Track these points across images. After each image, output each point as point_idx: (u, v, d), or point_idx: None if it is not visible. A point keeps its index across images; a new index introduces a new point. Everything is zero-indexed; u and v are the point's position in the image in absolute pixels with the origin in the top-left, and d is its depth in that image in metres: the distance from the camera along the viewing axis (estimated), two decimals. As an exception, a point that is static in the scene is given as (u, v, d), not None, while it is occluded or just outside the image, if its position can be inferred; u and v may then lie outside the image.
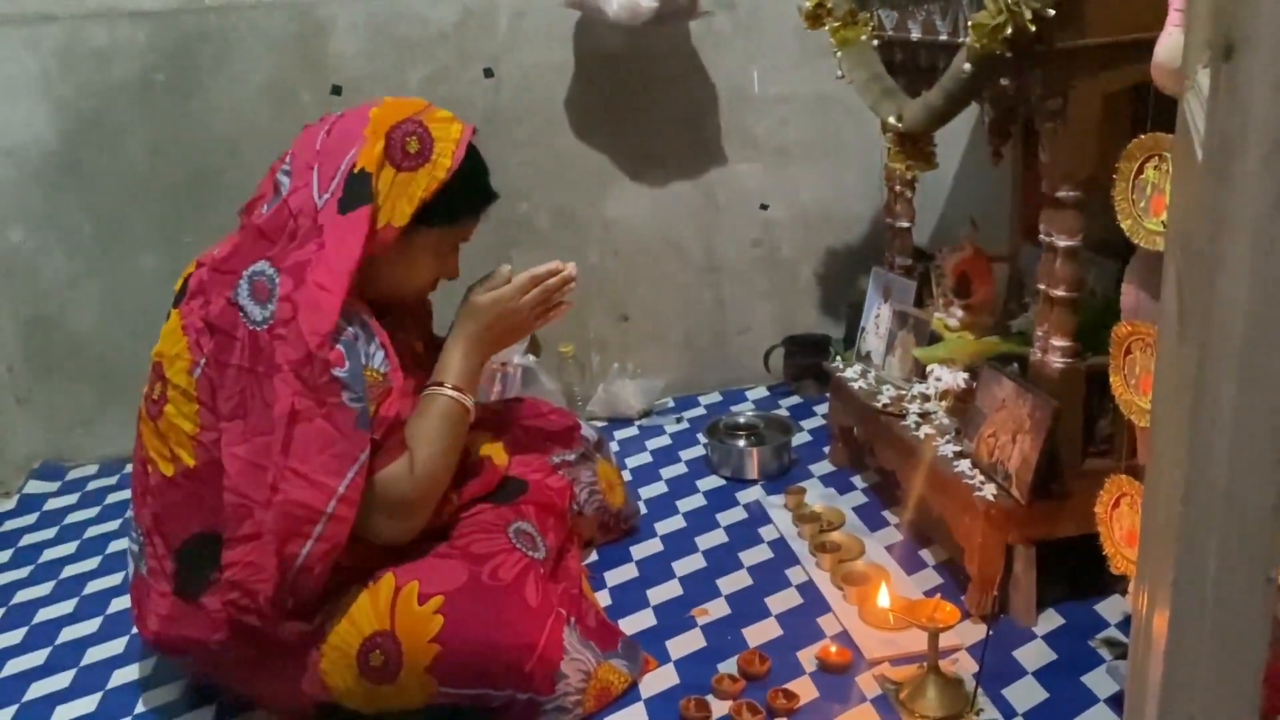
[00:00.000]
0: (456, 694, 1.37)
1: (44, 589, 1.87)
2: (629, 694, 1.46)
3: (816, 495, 1.97)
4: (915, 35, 1.66)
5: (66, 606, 1.81)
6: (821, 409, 2.31)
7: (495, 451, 1.69)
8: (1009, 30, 1.31)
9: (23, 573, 1.93)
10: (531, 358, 2.30)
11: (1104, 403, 1.46)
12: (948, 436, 1.69)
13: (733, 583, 1.73)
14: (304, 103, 2.20)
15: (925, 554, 1.77)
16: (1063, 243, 1.45)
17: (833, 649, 1.51)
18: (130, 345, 2.23)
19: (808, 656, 1.52)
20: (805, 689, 1.45)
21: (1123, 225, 1.20)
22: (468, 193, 1.46)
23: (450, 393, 1.44)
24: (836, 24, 1.77)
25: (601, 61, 2.31)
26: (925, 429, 1.73)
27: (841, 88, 1.82)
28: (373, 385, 1.34)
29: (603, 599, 1.70)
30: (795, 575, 1.73)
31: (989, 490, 1.53)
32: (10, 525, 2.12)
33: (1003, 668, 1.46)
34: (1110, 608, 1.57)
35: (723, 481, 2.09)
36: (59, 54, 2.14)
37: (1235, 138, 0.58)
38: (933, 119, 1.54)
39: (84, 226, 2.23)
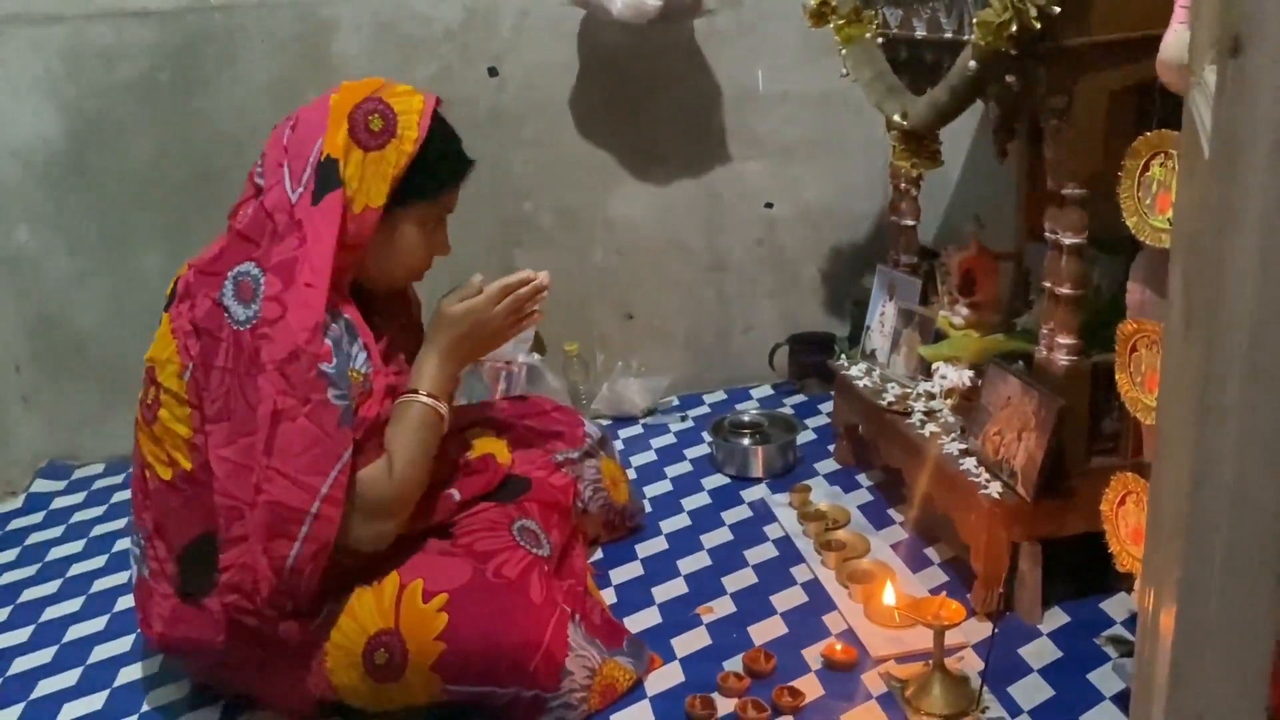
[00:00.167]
0: (461, 691, 1.37)
1: (51, 587, 1.88)
2: (634, 692, 1.47)
3: (821, 493, 1.97)
4: (920, 33, 1.66)
5: (73, 605, 1.82)
6: (826, 407, 2.31)
7: (498, 449, 1.69)
8: (1014, 27, 1.31)
9: (30, 571, 1.94)
10: (536, 356, 2.30)
11: (1109, 400, 1.46)
12: (953, 434, 1.69)
13: (738, 581, 1.73)
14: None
15: (930, 552, 1.77)
16: (1068, 240, 1.44)
17: (838, 647, 1.51)
18: (136, 345, 2.20)
19: (813, 654, 1.52)
20: (810, 687, 1.45)
21: (1128, 223, 1.20)
22: (441, 163, 1.45)
23: (426, 400, 1.43)
24: (841, 21, 1.77)
25: (605, 60, 2.31)
26: (930, 427, 1.73)
27: (846, 86, 1.82)
28: (354, 385, 1.34)
29: (608, 597, 1.70)
30: (800, 573, 1.73)
31: (994, 488, 1.53)
32: (17, 524, 2.13)
33: (1008, 665, 1.46)
34: (1116, 605, 1.57)
35: (727, 480, 2.09)
36: (65, 54, 2.14)
37: (1242, 134, 0.58)
38: (938, 117, 1.54)
39: (89, 226, 2.23)
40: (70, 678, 1.61)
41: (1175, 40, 1.08)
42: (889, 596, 1.54)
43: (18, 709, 1.55)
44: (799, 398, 2.45)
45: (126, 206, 2.23)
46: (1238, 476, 0.64)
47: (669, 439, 2.30)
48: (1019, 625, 1.54)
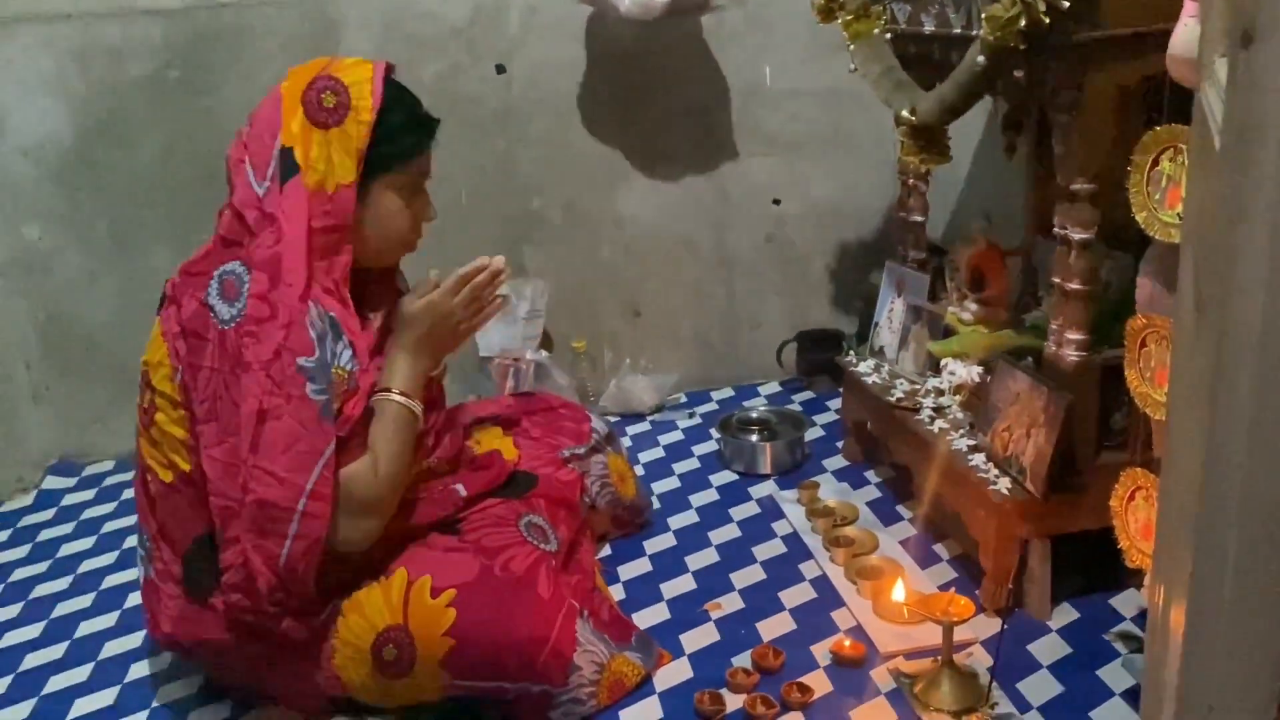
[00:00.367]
0: (470, 687, 1.37)
1: (62, 583, 1.89)
2: (643, 687, 1.47)
3: (830, 490, 1.97)
4: (928, 28, 1.65)
5: (84, 601, 1.82)
6: (834, 404, 2.31)
7: (505, 446, 1.69)
8: (1023, 23, 1.31)
9: (41, 567, 1.95)
10: (544, 353, 2.31)
11: (1119, 396, 1.45)
12: (962, 431, 1.69)
13: (746, 577, 1.73)
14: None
15: (939, 548, 1.76)
16: (1077, 236, 1.44)
17: (847, 643, 1.51)
18: (146, 342, 2.23)
19: (822, 650, 1.52)
20: (819, 683, 1.45)
21: (1138, 218, 1.20)
22: (404, 127, 1.43)
23: (398, 398, 1.42)
24: (849, 17, 1.77)
25: (613, 57, 2.30)
26: (939, 423, 1.73)
27: (854, 81, 1.82)
28: (338, 383, 1.34)
29: (616, 593, 1.70)
30: (809, 570, 1.73)
31: (1003, 484, 1.53)
32: (28, 520, 2.13)
33: (1017, 661, 1.45)
34: (1125, 602, 1.57)
35: (735, 476, 2.09)
36: (74, 52, 2.15)
37: (1254, 125, 0.57)
38: (946, 112, 1.54)
39: (99, 224, 2.24)
40: (81, 673, 1.62)
41: (1186, 34, 1.08)
42: (898, 593, 1.54)
43: (30, 704, 1.56)
44: (807, 394, 2.45)
45: (136, 204, 2.23)
46: (1248, 471, 0.64)
47: (677, 436, 2.30)
48: (1028, 621, 1.54)
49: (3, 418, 2.23)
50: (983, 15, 1.36)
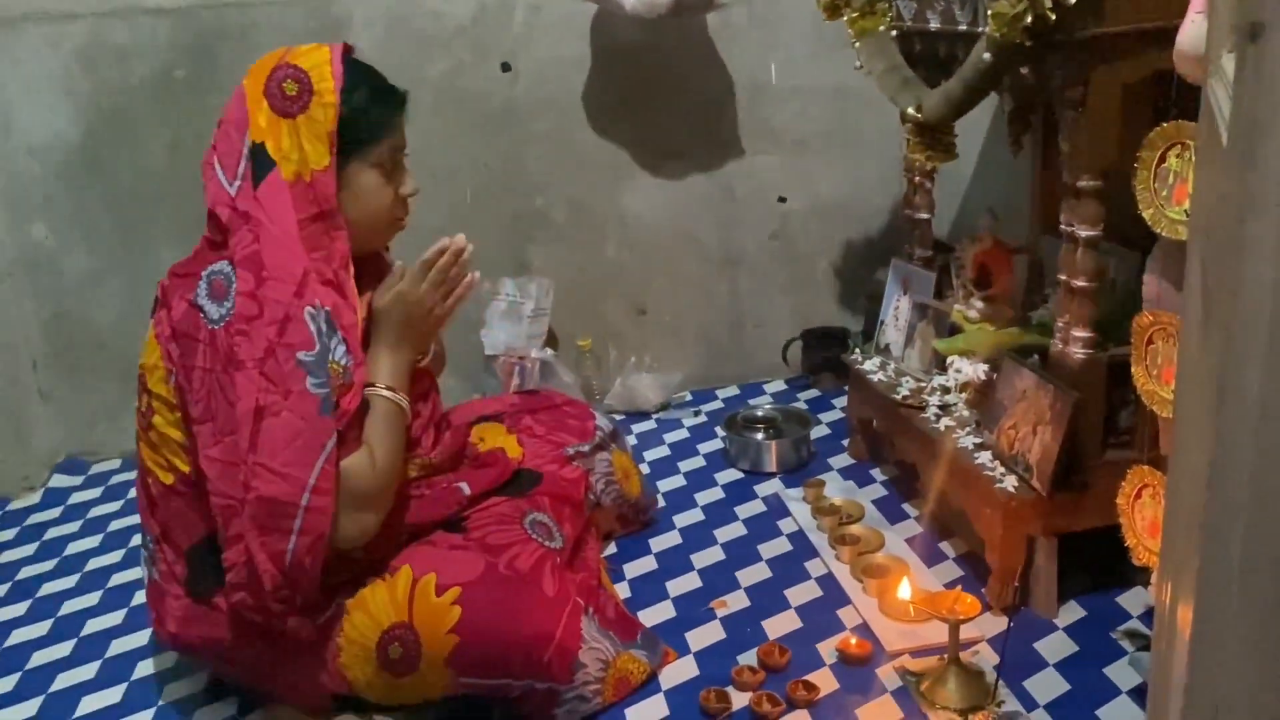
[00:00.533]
0: (475, 684, 1.38)
1: (68, 582, 1.89)
2: (649, 685, 1.47)
3: (836, 488, 1.96)
4: (934, 25, 1.65)
5: (91, 599, 1.83)
6: (840, 402, 2.31)
7: (509, 444, 1.69)
8: (1029, 19, 1.30)
9: (48, 566, 1.96)
10: (549, 351, 2.31)
11: (1125, 394, 1.45)
12: (968, 428, 1.68)
13: (752, 575, 1.73)
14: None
15: (945, 546, 1.76)
16: (1083, 233, 1.44)
17: (853, 641, 1.51)
18: (152, 341, 2.24)
19: (828, 648, 1.52)
20: (825, 681, 1.45)
21: (1144, 214, 1.19)
22: (371, 103, 1.42)
23: (385, 393, 1.42)
24: (855, 14, 1.76)
25: (618, 55, 2.30)
26: (945, 421, 1.73)
27: (860, 79, 1.82)
28: (334, 377, 1.34)
29: (622, 591, 1.70)
30: (815, 568, 1.73)
31: (1010, 482, 1.52)
32: (35, 519, 2.14)
33: (1024, 659, 1.45)
34: (1132, 599, 1.56)
35: (741, 475, 2.09)
36: (81, 52, 2.15)
37: (1262, 120, 0.57)
38: (952, 109, 1.53)
39: (106, 223, 2.24)
40: (89, 671, 1.63)
41: (1193, 30, 1.07)
42: (904, 591, 1.54)
43: (37, 702, 1.56)
44: (813, 393, 2.45)
45: (142, 203, 2.24)
46: (1256, 469, 0.63)
47: (682, 434, 2.30)
48: (1034, 619, 1.54)
49: (10, 416, 2.23)
50: (988, 12, 1.36)
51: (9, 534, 2.08)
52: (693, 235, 2.45)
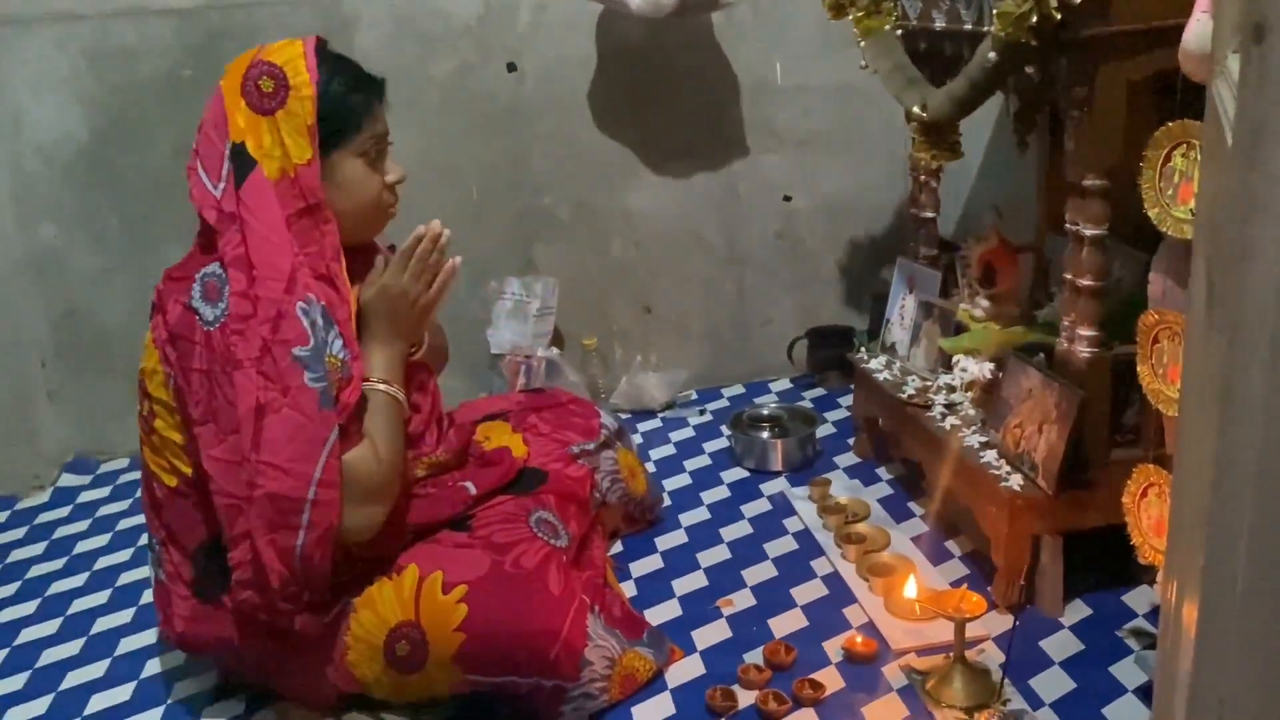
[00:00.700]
0: (482, 681, 1.38)
1: (78, 580, 1.90)
2: (655, 683, 1.47)
3: (841, 487, 1.97)
4: (939, 24, 1.65)
5: (100, 597, 1.84)
6: (845, 401, 2.31)
7: (514, 442, 1.69)
8: (1034, 18, 1.31)
9: (57, 564, 1.96)
10: (555, 350, 2.31)
11: (1131, 392, 1.45)
12: (974, 427, 1.69)
13: (758, 574, 1.73)
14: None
15: (951, 545, 1.76)
16: (1089, 232, 1.44)
17: (858, 639, 1.51)
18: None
19: (834, 647, 1.52)
20: (831, 679, 1.45)
21: (1150, 214, 1.19)
22: (349, 93, 1.42)
23: (380, 387, 1.42)
24: (860, 13, 1.77)
25: (623, 54, 2.31)
26: (951, 420, 1.73)
27: (865, 78, 1.82)
28: (332, 371, 1.34)
29: (628, 589, 1.71)
30: (820, 566, 1.73)
31: (1015, 481, 1.52)
32: (44, 518, 2.15)
33: (1029, 658, 1.45)
34: (1138, 598, 1.56)
35: (746, 473, 2.09)
36: (88, 52, 2.16)
37: (1267, 121, 0.57)
38: (957, 108, 1.54)
39: (113, 222, 2.25)
40: (98, 669, 1.63)
41: (1198, 29, 1.08)
42: (910, 589, 1.54)
43: (47, 700, 1.57)
44: (818, 391, 2.45)
45: (150, 203, 2.25)
46: (1262, 467, 0.64)
47: (688, 433, 2.30)
48: (1040, 618, 1.54)
49: (18, 415, 2.24)
50: (994, 11, 1.36)
51: (18, 533, 2.09)
52: (698, 234, 2.45)
